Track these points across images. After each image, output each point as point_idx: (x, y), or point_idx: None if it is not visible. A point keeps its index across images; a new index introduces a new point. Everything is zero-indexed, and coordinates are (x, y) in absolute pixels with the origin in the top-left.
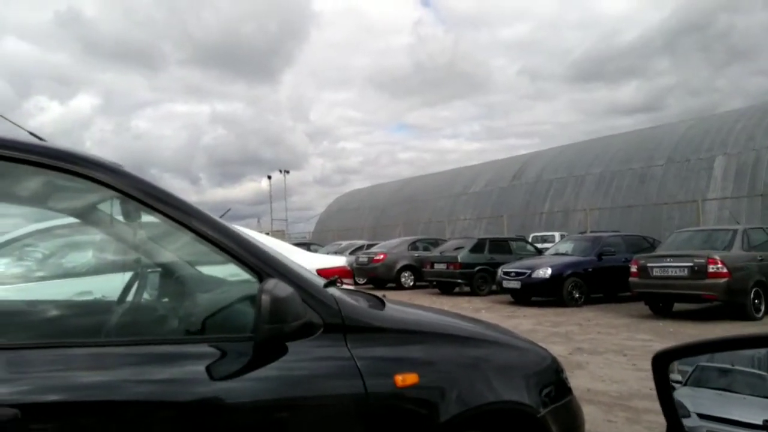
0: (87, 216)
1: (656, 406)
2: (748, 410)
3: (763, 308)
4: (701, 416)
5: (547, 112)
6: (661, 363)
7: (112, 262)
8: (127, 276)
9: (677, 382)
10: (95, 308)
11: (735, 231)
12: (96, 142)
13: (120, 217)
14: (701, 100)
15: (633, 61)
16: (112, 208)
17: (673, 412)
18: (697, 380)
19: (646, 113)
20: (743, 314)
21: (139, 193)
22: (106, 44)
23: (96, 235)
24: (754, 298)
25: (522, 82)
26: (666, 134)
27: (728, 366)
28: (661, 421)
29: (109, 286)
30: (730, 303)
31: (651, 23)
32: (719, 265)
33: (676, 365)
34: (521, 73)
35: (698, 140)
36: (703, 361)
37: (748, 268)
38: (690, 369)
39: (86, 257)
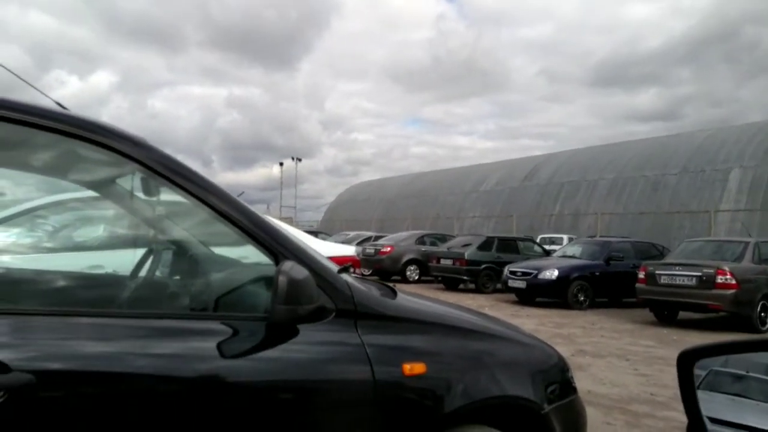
0: (106, 189)
1: (655, 411)
2: (762, 416)
3: None
4: (712, 420)
5: (564, 115)
6: (687, 361)
7: (128, 238)
8: (141, 252)
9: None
10: (107, 281)
11: (746, 243)
12: (112, 119)
13: (139, 192)
14: (721, 111)
15: (654, 68)
16: (133, 182)
17: (695, 410)
18: (711, 384)
19: (664, 121)
20: (749, 326)
21: (162, 168)
22: (127, 21)
23: (113, 210)
24: (760, 311)
25: (540, 83)
26: (682, 143)
27: (743, 372)
28: (659, 426)
29: (123, 261)
30: (737, 314)
31: (676, 31)
32: (728, 276)
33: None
34: (540, 74)
35: (714, 151)
36: (718, 365)
37: (757, 280)
38: (703, 373)
39: (102, 231)
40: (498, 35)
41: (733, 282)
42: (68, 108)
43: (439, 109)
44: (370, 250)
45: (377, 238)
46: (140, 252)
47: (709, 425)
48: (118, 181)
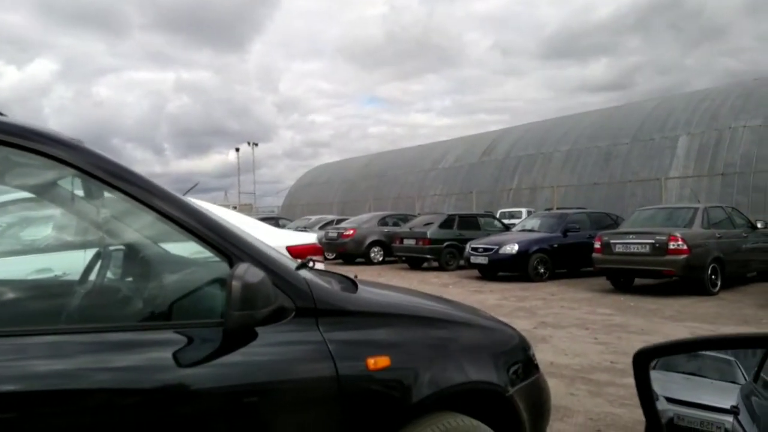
0: (46, 193)
1: (616, 379)
2: (717, 395)
3: (719, 284)
4: (669, 400)
5: (518, 89)
6: (642, 360)
7: (75, 240)
8: (90, 254)
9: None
10: (55, 289)
11: (695, 209)
12: (55, 110)
13: (82, 195)
14: (669, 78)
15: (604, 39)
16: (73, 185)
17: (653, 410)
18: (666, 364)
19: (615, 91)
20: (701, 289)
21: (100, 171)
22: (64, 5)
23: (56, 212)
24: (711, 274)
25: (494, 57)
26: (632, 113)
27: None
28: (621, 393)
29: (71, 264)
30: (689, 278)
31: (624, 0)
32: (680, 242)
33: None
34: (494, 48)
35: (663, 119)
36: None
37: (707, 245)
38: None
39: (45, 234)
40: (451, 9)
41: (685, 247)
42: (4, 113)
43: (396, 86)
44: (333, 233)
45: (339, 221)
46: (89, 254)
47: (666, 405)
48: (58, 183)
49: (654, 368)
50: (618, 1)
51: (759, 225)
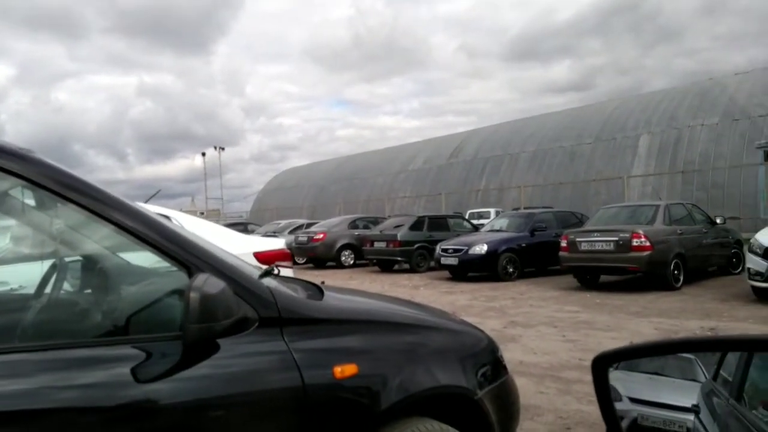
0: None
1: (584, 376)
2: (678, 394)
3: (681, 279)
4: (632, 400)
5: (484, 90)
6: (601, 366)
7: (27, 253)
8: (45, 266)
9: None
10: (9, 305)
11: (657, 206)
12: (12, 116)
13: (33, 204)
14: (629, 79)
15: (566, 41)
16: (23, 195)
17: (612, 416)
18: (629, 364)
19: (578, 92)
20: (664, 284)
21: (51, 182)
22: (19, 8)
23: (8, 223)
24: (673, 270)
25: (460, 59)
26: (594, 113)
27: None
28: (589, 390)
29: (25, 277)
30: (652, 274)
31: (585, 2)
32: (642, 239)
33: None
34: (459, 50)
35: (624, 119)
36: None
37: (669, 241)
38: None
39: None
40: (416, 12)
41: (648, 244)
42: None
43: (363, 89)
44: (303, 238)
45: (309, 225)
46: (44, 266)
47: (630, 405)
48: (10, 192)
49: (617, 368)
50: (579, 4)
51: (718, 221)
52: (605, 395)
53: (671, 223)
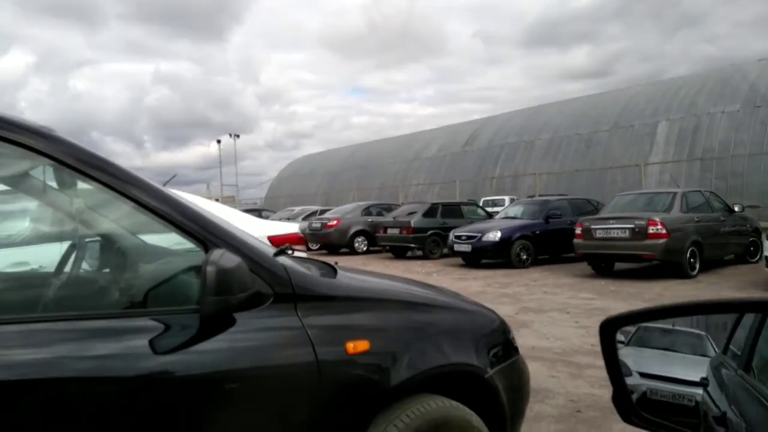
0: (17, 184)
1: (596, 361)
2: (687, 368)
3: (697, 267)
4: (642, 375)
5: (500, 77)
6: (609, 330)
7: (48, 232)
8: (65, 246)
9: (620, 342)
10: (31, 281)
11: (674, 194)
12: (31, 103)
13: (54, 185)
14: (649, 65)
15: (585, 26)
16: (45, 175)
17: (619, 378)
18: (640, 340)
19: (596, 79)
20: (680, 273)
21: (73, 160)
22: None
23: (29, 203)
24: (689, 258)
25: (476, 46)
26: (612, 100)
27: (669, 326)
28: (600, 375)
29: (46, 257)
30: (668, 262)
31: None
32: (659, 227)
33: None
34: (475, 37)
35: (642, 106)
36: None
37: (686, 229)
38: (633, 329)
39: (19, 227)
40: None
41: (664, 232)
42: None
43: (379, 76)
44: (317, 224)
45: (323, 211)
46: (64, 246)
47: (640, 379)
48: (30, 174)
49: (628, 344)
50: None
51: (736, 209)
52: (612, 357)
53: (688, 210)
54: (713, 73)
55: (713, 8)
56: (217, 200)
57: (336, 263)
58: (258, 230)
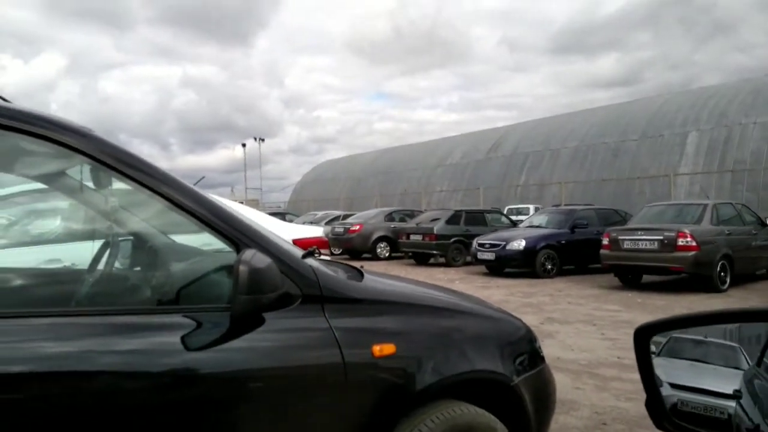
0: (55, 182)
1: (622, 374)
2: (720, 380)
3: (728, 281)
4: (673, 386)
5: (526, 84)
6: (643, 336)
7: (82, 230)
8: (98, 244)
9: (652, 352)
10: (64, 277)
11: (705, 206)
12: (61, 105)
13: (90, 184)
14: (679, 74)
15: (614, 34)
16: (82, 174)
17: (652, 384)
18: (671, 351)
19: (624, 87)
20: (710, 286)
21: (110, 159)
22: (69, 0)
23: (65, 202)
24: (720, 271)
25: (502, 52)
26: (641, 109)
27: (701, 338)
28: (626, 388)
29: (79, 254)
30: (697, 275)
31: None
32: (688, 239)
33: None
34: (501, 43)
35: (672, 115)
36: (678, 332)
37: (716, 241)
38: (664, 340)
39: (55, 224)
40: (459, 4)
41: (694, 244)
42: (10, 100)
43: (403, 82)
44: (339, 229)
45: (346, 216)
46: (97, 244)
47: (670, 390)
48: (67, 172)
49: (659, 355)
50: None
51: None
52: (646, 364)
53: (719, 223)
54: (745, 83)
55: (747, 17)
56: (241, 203)
57: (362, 267)
58: (283, 233)
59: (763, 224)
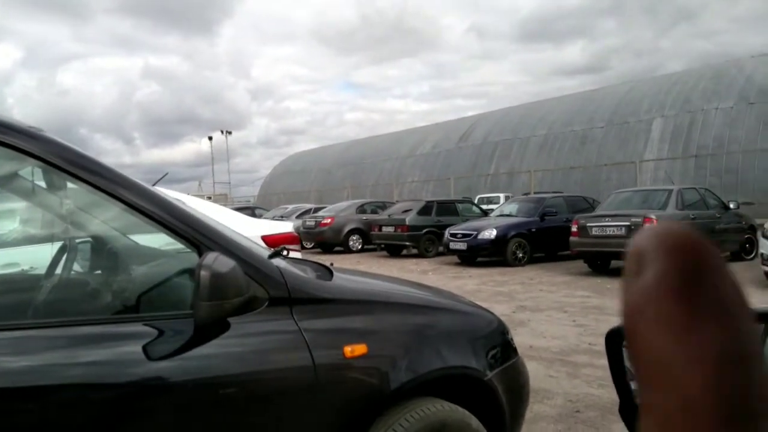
0: (6, 184)
1: (594, 360)
2: None
3: None
4: None
5: (495, 73)
6: (615, 340)
7: (38, 233)
8: (55, 248)
9: (625, 346)
10: (21, 284)
11: (670, 191)
12: (19, 99)
13: (43, 185)
14: (644, 61)
15: (580, 21)
16: (33, 175)
17: (627, 390)
18: None
19: (591, 74)
20: None
21: (61, 161)
22: None
23: (18, 204)
24: None
25: (470, 40)
26: (607, 97)
27: None
28: (598, 374)
29: (36, 258)
30: None
31: None
32: (654, 224)
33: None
34: (470, 31)
35: (637, 103)
36: None
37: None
38: None
39: (9, 228)
40: None
41: None
42: None
43: (372, 72)
44: (311, 222)
45: (317, 209)
46: (54, 248)
47: None
48: (20, 173)
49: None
50: None
51: (731, 206)
52: (619, 368)
53: (684, 208)
54: (707, 69)
55: (709, 3)
56: (209, 198)
57: (332, 264)
58: (252, 230)
59: (726, 208)
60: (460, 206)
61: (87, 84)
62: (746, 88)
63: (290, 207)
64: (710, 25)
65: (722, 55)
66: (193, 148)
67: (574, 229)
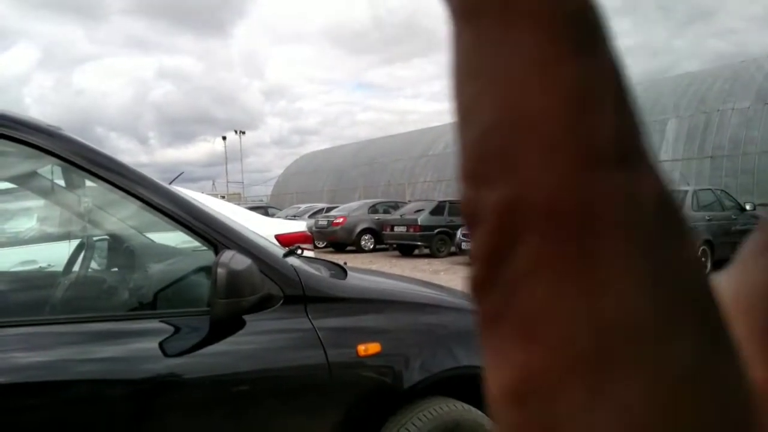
0: (26, 183)
1: None
2: None
3: (709, 266)
4: None
5: None
6: None
7: (56, 231)
8: (73, 245)
9: None
10: (39, 281)
11: (685, 192)
12: (36, 99)
13: (62, 183)
14: (659, 61)
15: None
16: (53, 174)
17: None
18: None
19: None
20: None
21: (80, 159)
22: None
23: (37, 202)
24: (701, 257)
25: None
26: None
27: None
28: None
29: (54, 256)
30: None
31: None
32: None
33: None
34: None
35: (651, 103)
36: None
37: (697, 228)
38: None
39: (27, 225)
40: None
41: None
42: None
43: (384, 72)
44: (323, 222)
45: (329, 209)
46: (72, 245)
47: None
48: (38, 173)
49: None
50: None
51: (748, 207)
52: None
53: (699, 209)
54: (723, 69)
55: (725, 2)
56: (222, 197)
57: (345, 263)
58: (265, 229)
59: (742, 209)
60: None
61: (102, 84)
62: (763, 88)
63: (303, 206)
64: (727, 24)
65: (739, 55)
66: (206, 147)
67: None
